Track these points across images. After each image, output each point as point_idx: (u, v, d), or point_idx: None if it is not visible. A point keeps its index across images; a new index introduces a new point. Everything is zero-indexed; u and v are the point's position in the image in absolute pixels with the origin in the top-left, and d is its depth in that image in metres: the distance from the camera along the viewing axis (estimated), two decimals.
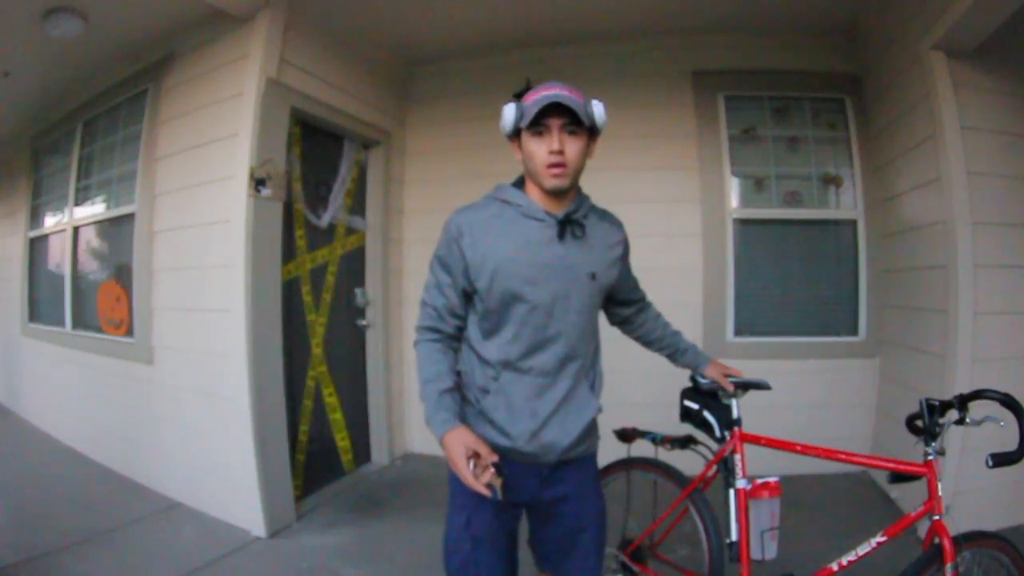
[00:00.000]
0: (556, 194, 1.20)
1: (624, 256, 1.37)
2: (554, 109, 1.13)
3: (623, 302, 1.49)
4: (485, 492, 1.10)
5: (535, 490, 1.28)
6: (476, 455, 1.12)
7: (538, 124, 1.15)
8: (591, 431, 1.31)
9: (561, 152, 1.15)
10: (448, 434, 1.14)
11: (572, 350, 1.25)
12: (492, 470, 1.11)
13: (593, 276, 1.25)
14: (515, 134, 1.21)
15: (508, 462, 1.20)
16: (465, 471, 1.10)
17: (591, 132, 1.20)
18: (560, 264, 1.21)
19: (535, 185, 1.22)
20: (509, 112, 1.20)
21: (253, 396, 2.42)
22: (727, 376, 1.61)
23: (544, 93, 1.14)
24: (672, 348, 1.57)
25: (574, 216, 1.23)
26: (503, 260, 1.20)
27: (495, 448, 1.19)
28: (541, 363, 1.23)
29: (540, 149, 1.16)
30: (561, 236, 1.21)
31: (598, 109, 1.19)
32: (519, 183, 1.28)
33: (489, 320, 1.24)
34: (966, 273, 2.30)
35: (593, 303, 1.28)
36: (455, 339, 1.30)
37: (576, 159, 1.17)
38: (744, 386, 1.65)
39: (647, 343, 1.58)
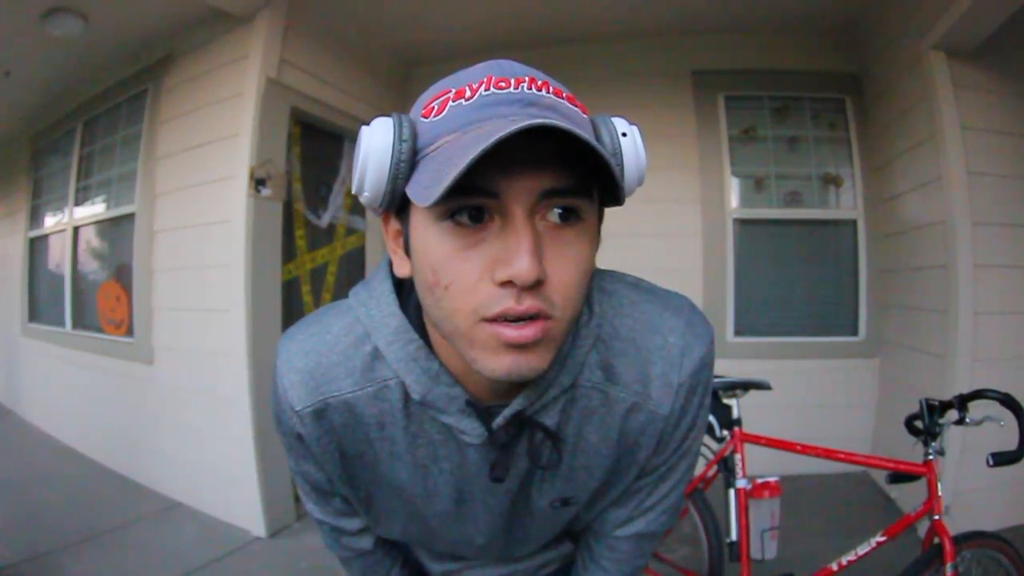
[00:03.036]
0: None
1: (659, 447, 0.62)
2: (522, 143, 0.40)
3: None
4: None
5: None
6: None
7: (467, 193, 0.43)
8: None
9: (537, 282, 0.44)
10: None
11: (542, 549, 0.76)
12: None
13: (564, 502, 0.65)
14: (393, 205, 0.50)
15: None
16: None
17: (604, 201, 0.51)
18: (498, 507, 0.64)
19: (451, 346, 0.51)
20: (378, 149, 0.46)
21: (253, 396, 2.41)
22: None
23: (483, 92, 0.45)
24: None
25: (538, 418, 0.57)
26: (389, 514, 0.68)
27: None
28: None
29: (468, 267, 0.45)
30: (503, 474, 0.58)
31: (630, 143, 0.50)
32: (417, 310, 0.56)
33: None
34: (966, 273, 2.30)
35: (569, 517, 0.69)
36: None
37: (575, 284, 0.47)
38: (744, 386, 1.65)
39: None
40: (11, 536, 2.38)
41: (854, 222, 3.12)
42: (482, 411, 0.56)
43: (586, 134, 0.43)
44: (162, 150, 2.87)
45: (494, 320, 0.45)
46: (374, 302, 0.57)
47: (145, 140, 2.96)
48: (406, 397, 0.56)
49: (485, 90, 0.45)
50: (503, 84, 0.45)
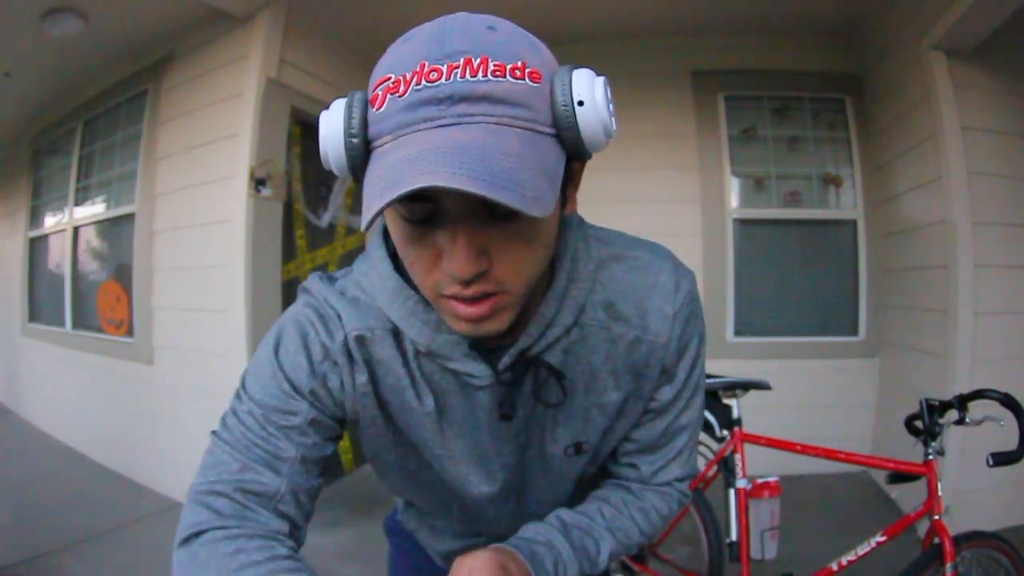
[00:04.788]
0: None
1: (661, 379, 0.65)
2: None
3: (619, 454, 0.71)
4: None
5: None
6: None
7: (409, 199, 0.44)
8: None
9: (481, 273, 0.48)
10: None
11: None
12: None
13: (577, 448, 0.66)
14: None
15: None
16: None
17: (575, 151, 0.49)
18: (511, 456, 0.66)
19: None
20: (333, 138, 0.48)
21: None
22: None
23: (414, 87, 0.44)
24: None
25: (541, 354, 0.59)
26: (393, 457, 0.67)
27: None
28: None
29: (422, 253, 0.49)
30: (510, 411, 0.60)
31: (590, 110, 0.47)
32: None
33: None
34: (966, 273, 2.30)
35: (584, 470, 0.70)
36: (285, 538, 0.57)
37: (523, 265, 0.50)
38: (744, 386, 1.65)
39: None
40: (11, 536, 2.38)
41: (854, 222, 3.12)
42: (486, 353, 0.59)
43: (506, 132, 0.44)
44: (162, 150, 2.87)
45: (450, 298, 0.50)
46: (373, 271, 0.60)
47: (145, 140, 2.96)
48: (415, 351, 0.60)
49: (416, 84, 0.44)
50: (434, 75, 0.43)
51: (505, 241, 0.48)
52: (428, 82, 0.44)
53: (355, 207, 3.30)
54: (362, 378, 0.60)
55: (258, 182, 2.45)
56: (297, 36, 2.65)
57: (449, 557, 0.80)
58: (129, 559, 2.25)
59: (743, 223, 3.19)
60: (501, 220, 0.47)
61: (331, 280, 0.63)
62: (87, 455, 3.41)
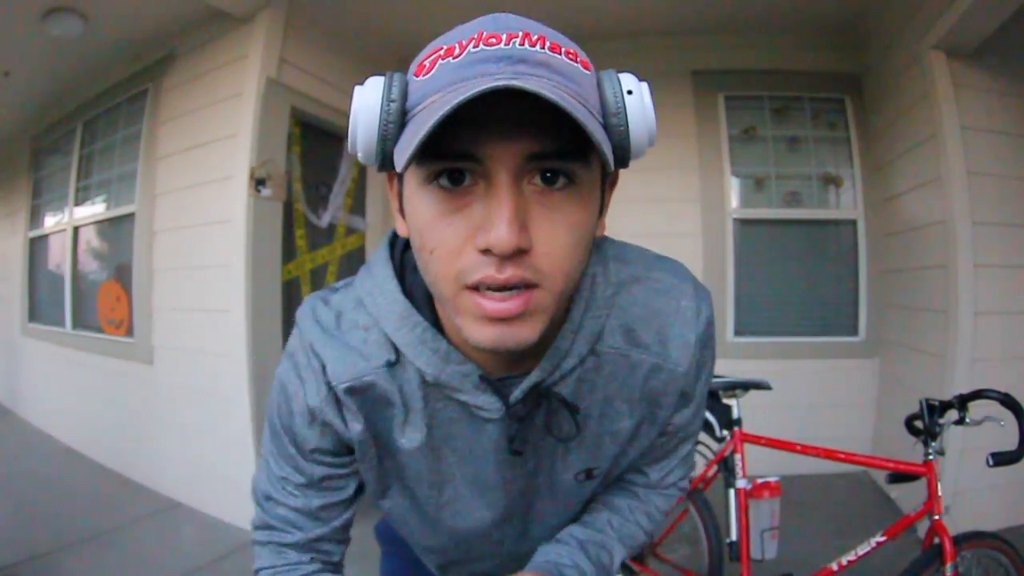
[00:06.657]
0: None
1: (679, 403, 0.64)
2: (502, 101, 0.39)
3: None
4: None
5: None
6: None
7: (448, 157, 0.43)
8: None
9: (521, 250, 0.43)
10: None
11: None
12: None
13: (588, 474, 0.65)
14: (388, 164, 0.46)
15: None
16: None
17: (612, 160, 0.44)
18: (515, 483, 0.63)
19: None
20: (367, 108, 0.45)
21: (253, 396, 2.41)
22: None
23: (471, 50, 0.43)
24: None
25: (555, 387, 0.56)
26: (400, 493, 0.65)
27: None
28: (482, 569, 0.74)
29: (451, 232, 0.44)
30: (522, 446, 0.58)
31: (637, 101, 0.46)
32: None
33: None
34: (966, 273, 2.30)
35: (590, 492, 0.70)
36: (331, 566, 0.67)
37: (564, 252, 0.45)
38: (744, 386, 1.65)
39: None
40: (11, 536, 2.38)
41: (854, 222, 3.12)
42: (497, 385, 0.55)
43: (566, 95, 0.41)
44: (162, 150, 2.87)
45: (476, 289, 0.44)
46: (378, 290, 0.57)
47: (145, 140, 2.96)
48: (422, 378, 0.56)
49: (474, 47, 0.43)
50: (493, 40, 0.42)
51: (548, 218, 0.44)
52: (487, 45, 0.42)
53: (355, 207, 3.30)
54: (357, 426, 0.58)
55: (258, 182, 2.45)
56: (297, 36, 2.65)
57: (443, 567, 0.78)
58: (129, 559, 2.25)
59: (743, 223, 3.18)
60: (547, 194, 0.44)
61: (326, 301, 0.60)
62: (87, 455, 3.41)
